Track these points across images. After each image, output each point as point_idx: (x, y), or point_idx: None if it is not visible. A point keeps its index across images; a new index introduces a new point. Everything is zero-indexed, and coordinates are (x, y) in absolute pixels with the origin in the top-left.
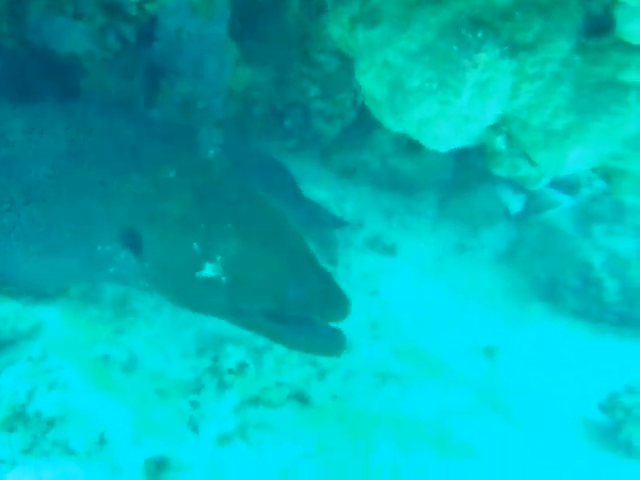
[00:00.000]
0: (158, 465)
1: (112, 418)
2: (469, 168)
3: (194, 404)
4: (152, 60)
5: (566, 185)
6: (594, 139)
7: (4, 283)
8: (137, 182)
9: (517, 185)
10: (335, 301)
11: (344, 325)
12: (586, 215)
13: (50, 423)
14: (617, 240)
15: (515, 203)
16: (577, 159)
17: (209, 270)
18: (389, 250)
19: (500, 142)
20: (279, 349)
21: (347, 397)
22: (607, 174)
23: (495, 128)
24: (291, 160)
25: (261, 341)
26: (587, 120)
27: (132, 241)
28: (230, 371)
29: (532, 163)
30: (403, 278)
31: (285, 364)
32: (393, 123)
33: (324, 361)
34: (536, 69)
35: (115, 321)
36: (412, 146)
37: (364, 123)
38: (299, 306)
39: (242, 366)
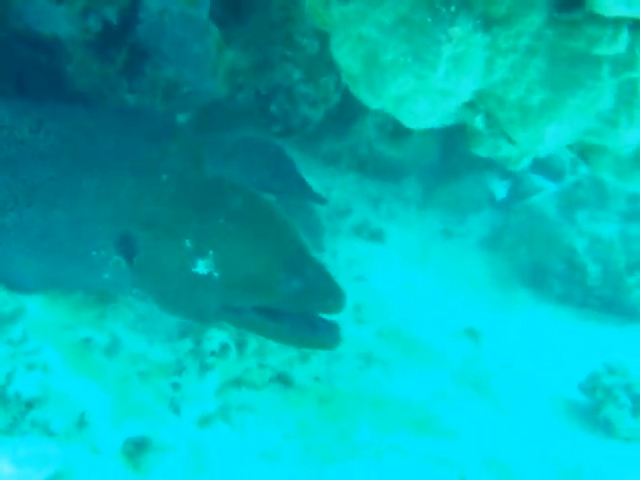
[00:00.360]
0: (138, 445)
1: (92, 400)
2: (455, 155)
3: (176, 386)
4: (136, 43)
5: (551, 172)
6: (570, 115)
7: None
8: (130, 186)
9: (503, 172)
10: (331, 294)
11: None
12: (570, 201)
13: (29, 405)
14: (600, 225)
15: (501, 190)
16: (554, 136)
17: (202, 267)
18: (376, 237)
19: (479, 121)
20: None
21: (330, 380)
22: (584, 152)
23: (474, 107)
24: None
25: None
26: (562, 96)
27: (124, 248)
28: (212, 353)
29: (511, 141)
30: (389, 264)
31: (267, 347)
32: (370, 99)
33: None
34: (509, 43)
35: (98, 306)
36: (398, 132)
37: (349, 107)
38: (294, 300)
39: (224, 348)
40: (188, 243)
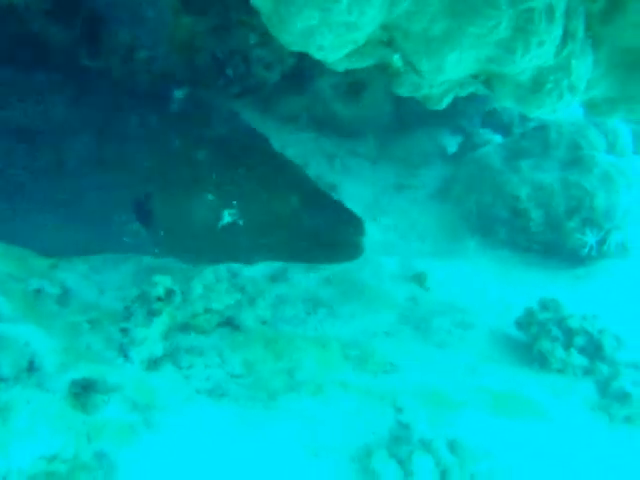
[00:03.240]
0: (85, 387)
1: (42, 346)
2: (408, 112)
3: (124, 331)
4: (92, 9)
5: (500, 126)
6: (470, 43)
7: (26, 246)
8: (145, 153)
9: (454, 127)
10: (351, 222)
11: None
12: (514, 151)
13: None
14: (542, 173)
15: (453, 145)
16: (456, 64)
17: (227, 216)
18: (330, 190)
19: (397, 60)
20: (208, 276)
21: (277, 323)
22: (488, 80)
23: (391, 45)
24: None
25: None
26: (462, 25)
27: (142, 214)
28: (158, 298)
29: (416, 72)
30: None
31: (213, 291)
32: (281, 35)
33: (253, 289)
34: None
35: (51, 258)
36: (352, 91)
37: (304, 69)
38: (317, 233)
39: (169, 293)
40: (210, 196)
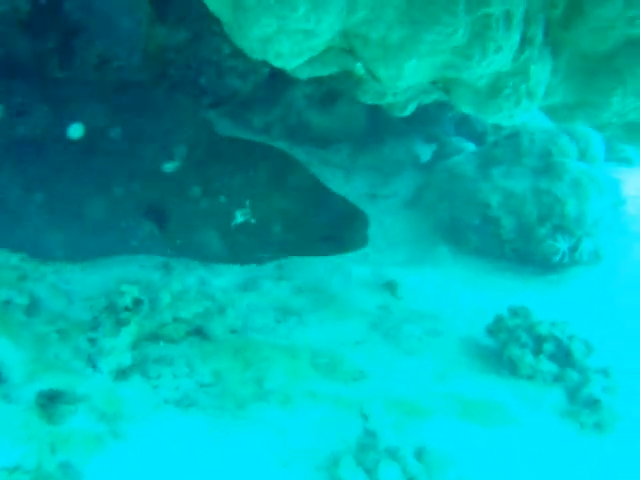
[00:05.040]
0: (51, 398)
1: (11, 357)
2: (381, 122)
3: (92, 341)
4: (65, 21)
5: (474, 134)
6: (427, 50)
7: (33, 254)
8: (151, 160)
9: (428, 136)
10: (357, 215)
11: (251, 267)
12: (487, 159)
13: None
14: (514, 181)
15: (426, 153)
16: (414, 71)
17: (240, 216)
18: None
19: (360, 68)
20: (176, 285)
21: (246, 332)
22: (446, 86)
23: (353, 53)
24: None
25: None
26: (419, 32)
27: (156, 217)
28: (126, 308)
29: (375, 79)
30: None
31: (181, 300)
32: (240, 42)
33: (223, 297)
34: None
35: (20, 268)
36: (325, 101)
37: (278, 78)
38: (327, 227)
39: (137, 303)
40: (223, 198)
